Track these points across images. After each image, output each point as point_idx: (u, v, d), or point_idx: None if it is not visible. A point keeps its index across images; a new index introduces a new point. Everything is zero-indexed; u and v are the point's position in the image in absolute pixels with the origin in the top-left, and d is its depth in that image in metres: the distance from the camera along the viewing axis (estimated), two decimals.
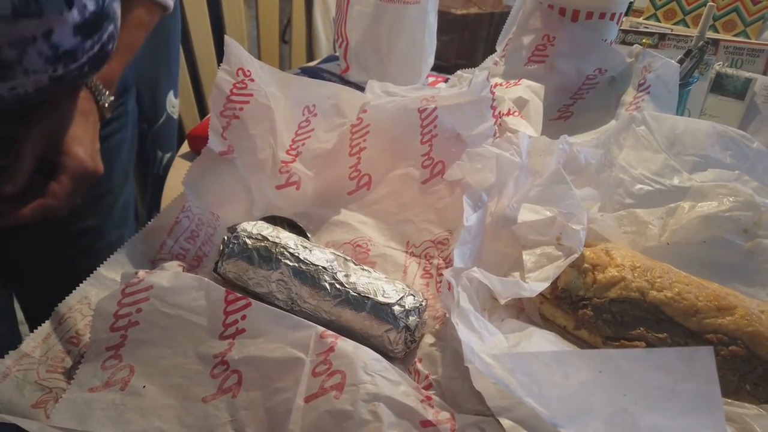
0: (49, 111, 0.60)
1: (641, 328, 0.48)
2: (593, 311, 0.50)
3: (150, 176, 1.14)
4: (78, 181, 0.61)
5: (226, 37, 0.60)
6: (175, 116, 1.16)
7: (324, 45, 1.77)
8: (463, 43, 1.12)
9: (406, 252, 0.61)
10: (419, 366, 0.48)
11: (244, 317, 0.45)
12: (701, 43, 0.76)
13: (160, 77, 1.04)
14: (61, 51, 0.55)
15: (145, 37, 0.74)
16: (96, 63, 0.61)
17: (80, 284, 0.52)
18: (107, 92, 0.68)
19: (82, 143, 0.61)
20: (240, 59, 0.61)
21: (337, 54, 0.99)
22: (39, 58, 0.54)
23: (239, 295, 0.46)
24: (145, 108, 1.02)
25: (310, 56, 1.78)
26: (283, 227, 0.57)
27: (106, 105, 0.68)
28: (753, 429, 0.42)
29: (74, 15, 0.54)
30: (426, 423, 0.40)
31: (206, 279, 0.47)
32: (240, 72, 0.61)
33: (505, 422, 0.41)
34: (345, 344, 0.43)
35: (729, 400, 0.45)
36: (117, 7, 0.62)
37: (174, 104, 1.13)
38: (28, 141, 0.58)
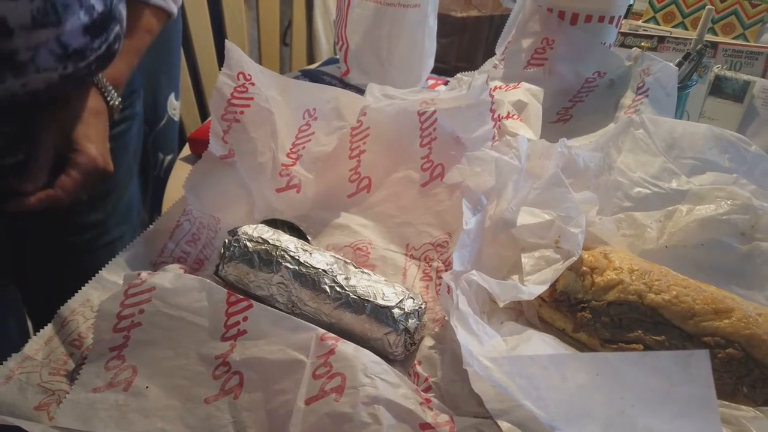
0: (61, 109, 0.62)
1: (639, 331, 0.49)
2: (591, 314, 0.50)
3: (151, 178, 1.14)
4: (88, 177, 0.62)
5: (227, 42, 0.60)
6: (176, 118, 1.16)
7: (324, 48, 1.77)
8: (462, 46, 1.13)
9: (406, 255, 0.61)
10: (419, 368, 0.48)
11: (245, 319, 0.45)
12: (700, 45, 0.77)
13: (161, 79, 1.04)
14: (71, 50, 0.57)
15: (150, 41, 0.77)
16: (103, 62, 0.63)
17: (82, 287, 0.53)
18: (115, 92, 0.70)
19: (95, 141, 0.64)
20: (240, 63, 0.61)
21: (338, 57, 0.99)
22: (50, 57, 0.56)
23: (241, 296, 0.46)
24: (147, 110, 1.02)
25: (311, 59, 1.79)
26: (283, 230, 0.57)
27: (116, 104, 0.70)
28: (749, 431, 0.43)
29: (82, 16, 0.56)
30: (425, 425, 0.41)
31: (208, 280, 0.47)
32: (240, 76, 0.61)
33: (504, 425, 0.41)
34: (345, 347, 0.43)
35: (726, 403, 0.46)
36: (123, 9, 0.64)
37: (175, 106, 1.13)
38: (43, 140, 0.61)
